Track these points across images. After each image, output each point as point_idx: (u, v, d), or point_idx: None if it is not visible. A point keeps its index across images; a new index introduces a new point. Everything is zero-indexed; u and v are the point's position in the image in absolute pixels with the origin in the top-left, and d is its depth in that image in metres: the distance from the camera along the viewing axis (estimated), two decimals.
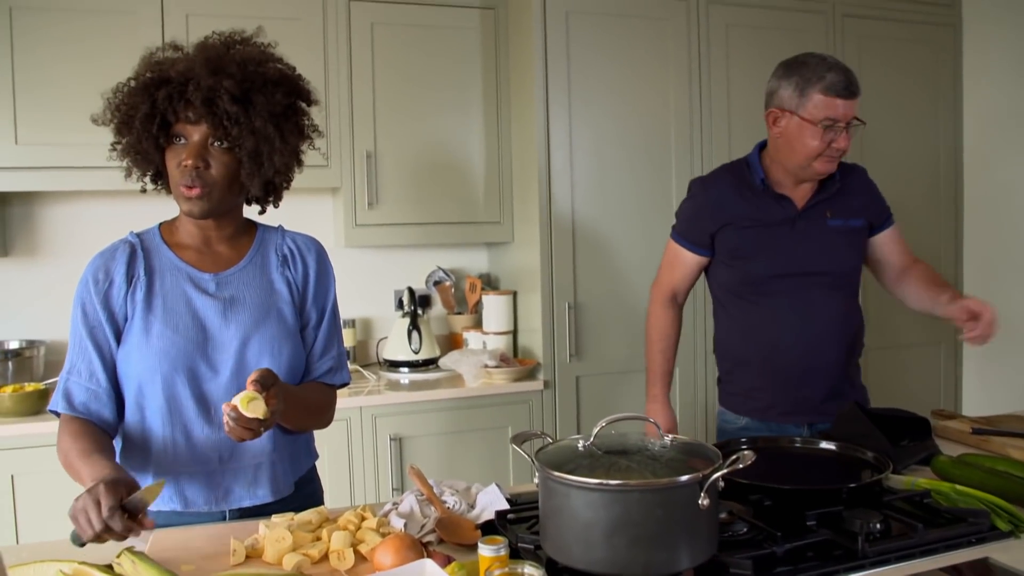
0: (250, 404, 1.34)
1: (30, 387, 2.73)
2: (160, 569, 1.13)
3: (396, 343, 3.23)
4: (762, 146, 2.16)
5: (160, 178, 1.65)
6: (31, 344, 3.02)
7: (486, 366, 3.06)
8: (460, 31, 3.24)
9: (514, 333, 3.35)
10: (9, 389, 2.70)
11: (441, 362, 3.20)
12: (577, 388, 3.14)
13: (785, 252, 2.05)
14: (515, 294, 3.35)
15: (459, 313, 3.55)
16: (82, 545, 1.29)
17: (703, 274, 2.25)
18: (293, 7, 3.03)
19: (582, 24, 3.10)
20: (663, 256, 2.28)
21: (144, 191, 1.68)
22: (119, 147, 1.61)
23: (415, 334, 3.20)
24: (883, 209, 2.16)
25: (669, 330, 2.26)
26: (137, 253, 1.63)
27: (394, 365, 3.22)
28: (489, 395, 3.03)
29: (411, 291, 3.26)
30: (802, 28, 3.42)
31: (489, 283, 3.61)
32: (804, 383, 2.07)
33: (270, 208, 1.74)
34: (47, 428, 2.58)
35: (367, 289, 3.48)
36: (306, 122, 1.66)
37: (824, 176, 2.04)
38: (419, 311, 3.26)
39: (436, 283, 3.54)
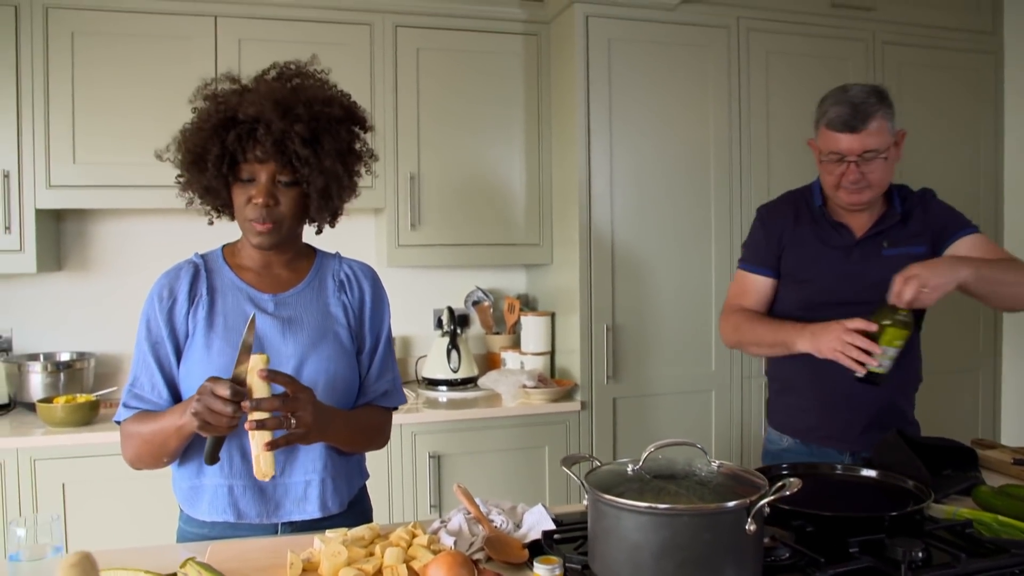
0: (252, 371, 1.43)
1: (82, 398, 2.81)
2: None
3: (435, 362, 3.28)
4: None
5: (223, 208, 1.72)
6: (82, 356, 3.11)
7: (524, 386, 3.11)
8: (503, 56, 3.31)
9: (551, 354, 3.39)
10: (62, 400, 2.78)
11: (480, 381, 3.25)
12: (614, 410, 3.17)
13: (840, 279, 2.07)
14: (553, 315, 3.39)
15: (497, 333, 3.60)
16: (215, 461, 1.50)
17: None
18: (342, 33, 3.11)
19: (624, 51, 3.15)
20: (729, 290, 2.28)
21: (211, 223, 1.74)
22: (184, 181, 1.67)
23: (454, 353, 3.26)
24: (950, 224, 2.09)
25: (747, 312, 2.17)
26: (200, 273, 1.70)
27: (433, 383, 3.27)
28: (527, 415, 3.06)
29: (451, 311, 3.31)
30: (842, 56, 3.45)
31: (527, 304, 3.66)
32: (848, 409, 2.07)
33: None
34: (98, 439, 2.67)
35: (407, 308, 3.54)
36: (363, 148, 1.72)
37: (852, 207, 2.05)
38: (458, 330, 3.31)
39: (475, 303, 3.59)
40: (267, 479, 1.47)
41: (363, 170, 1.75)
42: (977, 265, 1.85)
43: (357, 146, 1.72)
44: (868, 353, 1.81)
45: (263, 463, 1.45)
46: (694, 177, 3.26)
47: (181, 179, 1.69)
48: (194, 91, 1.68)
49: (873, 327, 1.81)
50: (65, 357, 3.13)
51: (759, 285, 2.19)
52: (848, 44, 3.47)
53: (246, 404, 1.43)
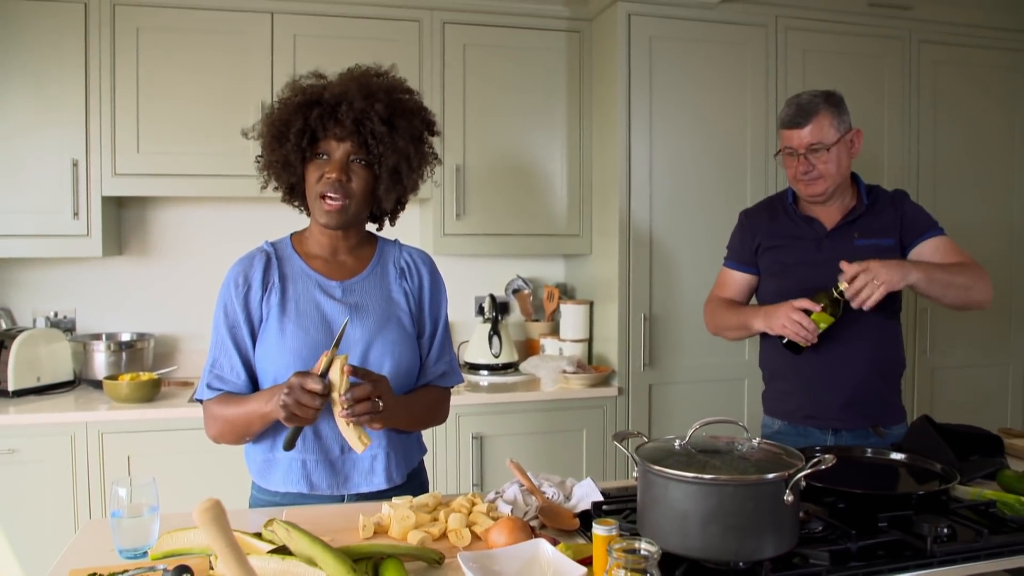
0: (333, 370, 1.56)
1: (145, 376, 2.97)
2: (311, 536, 1.30)
3: (477, 347, 3.40)
4: None
5: (293, 192, 1.84)
6: (142, 336, 3.27)
7: (564, 371, 3.22)
8: (547, 52, 3.42)
9: (589, 341, 3.51)
10: (126, 377, 2.94)
11: (521, 367, 3.37)
12: (650, 396, 3.28)
13: (814, 268, 2.21)
14: (591, 304, 3.50)
15: (536, 320, 3.71)
16: (293, 447, 1.64)
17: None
18: (392, 30, 3.24)
19: (664, 48, 3.25)
20: (714, 284, 2.51)
21: (285, 201, 1.87)
22: (263, 159, 1.80)
23: (496, 339, 3.38)
24: (918, 223, 2.23)
25: (722, 300, 2.43)
26: (272, 261, 1.82)
27: (475, 368, 3.40)
28: (566, 399, 3.18)
29: (492, 298, 3.43)
30: (878, 54, 3.52)
31: (565, 292, 3.77)
32: (828, 390, 2.23)
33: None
34: (160, 414, 2.82)
35: (450, 295, 3.60)
36: (430, 150, 1.84)
37: (813, 199, 2.24)
38: (499, 317, 3.43)
39: (515, 291, 3.71)
40: (366, 447, 1.59)
41: (428, 171, 1.86)
42: (929, 269, 2.07)
43: (426, 147, 1.83)
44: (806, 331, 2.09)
45: (362, 437, 1.58)
46: (731, 172, 3.35)
47: (261, 158, 1.81)
48: (283, 86, 1.80)
49: (817, 307, 2.06)
50: (126, 337, 3.28)
51: (737, 279, 2.43)
52: (885, 42, 3.53)
53: (335, 396, 1.56)
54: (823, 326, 2.08)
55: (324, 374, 1.57)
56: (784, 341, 2.13)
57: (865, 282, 1.97)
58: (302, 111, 1.71)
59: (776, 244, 2.33)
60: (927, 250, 2.21)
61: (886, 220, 2.24)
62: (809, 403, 2.26)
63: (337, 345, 1.60)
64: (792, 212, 2.32)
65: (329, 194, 1.72)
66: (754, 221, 2.41)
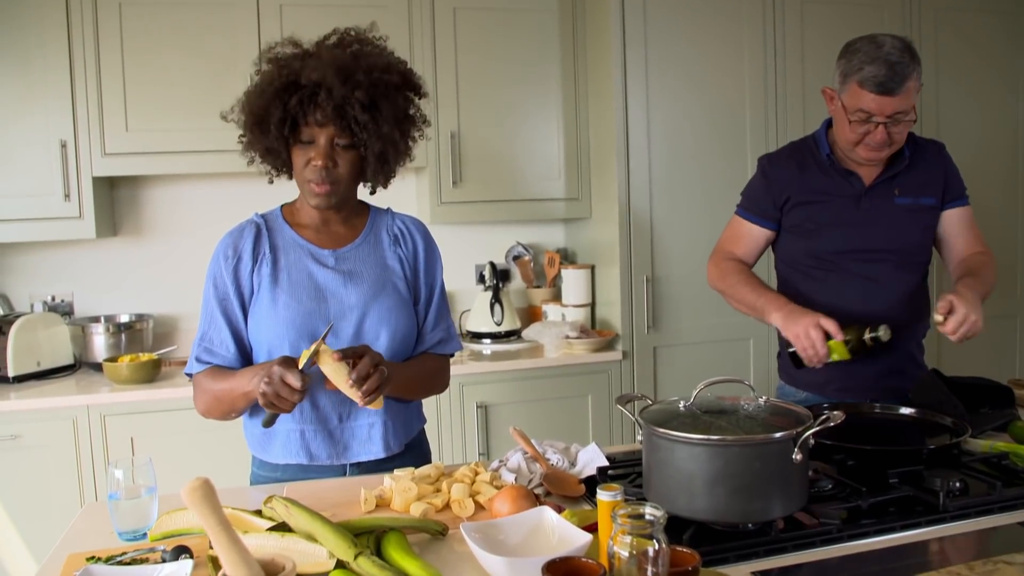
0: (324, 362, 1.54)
1: (145, 357, 2.94)
2: (311, 512, 1.28)
3: (479, 315, 3.37)
4: (829, 123, 2.13)
5: (282, 168, 1.80)
6: (140, 317, 3.24)
7: (567, 337, 3.19)
8: (539, 14, 3.35)
9: (592, 306, 3.47)
10: (126, 359, 2.92)
11: (524, 333, 3.34)
12: (654, 358, 3.25)
13: (851, 228, 2.05)
14: (593, 268, 3.47)
15: (537, 287, 3.68)
16: (271, 425, 1.63)
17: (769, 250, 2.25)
18: None
19: (659, 5, 3.18)
20: (723, 232, 2.26)
21: (271, 182, 1.83)
22: (246, 141, 1.76)
23: (497, 307, 3.34)
24: (956, 187, 2.11)
25: (738, 265, 2.16)
26: (262, 232, 1.79)
27: (477, 336, 3.37)
28: (569, 364, 3.16)
29: (493, 266, 3.40)
30: (877, 3, 3.44)
31: (566, 257, 3.73)
32: (864, 361, 1.98)
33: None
34: (162, 395, 2.80)
35: (449, 263, 3.52)
36: (417, 114, 1.79)
37: (870, 163, 2.02)
38: (500, 285, 3.40)
39: (515, 258, 3.67)
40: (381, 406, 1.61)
41: (416, 135, 1.82)
42: (983, 288, 1.93)
43: (412, 112, 1.78)
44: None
45: (376, 402, 1.58)
46: (730, 129, 3.29)
47: (243, 139, 1.77)
48: (258, 55, 1.75)
49: (840, 336, 1.84)
50: (124, 319, 3.25)
51: (754, 234, 2.18)
52: None
53: (343, 388, 1.55)
54: (835, 357, 1.86)
55: (306, 368, 1.54)
56: (791, 349, 1.92)
57: (968, 334, 1.81)
58: (280, 97, 1.66)
59: (808, 199, 2.08)
60: (954, 218, 2.09)
61: (928, 176, 2.07)
62: (843, 375, 2.05)
63: (319, 346, 1.57)
64: (827, 164, 2.07)
65: (316, 180, 1.69)
66: (781, 171, 2.13)
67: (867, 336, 1.85)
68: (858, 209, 2.06)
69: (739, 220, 2.21)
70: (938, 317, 1.83)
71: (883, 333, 1.83)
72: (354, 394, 1.55)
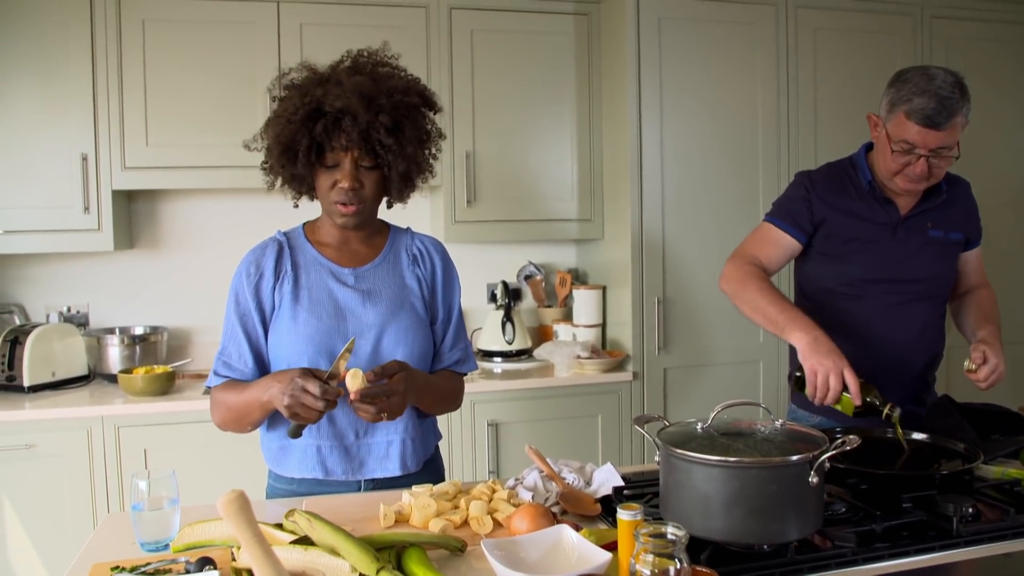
0: (354, 379, 1.56)
1: (159, 369, 2.97)
2: (333, 526, 1.30)
3: (490, 334, 3.39)
4: (868, 147, 2.12)
5: (307, 191, 1.83)
6: (155, 330, 3.27)
7: (578, 357, 3.21)
8: (555, 36, 3.39)
9: (603, 326, 3.49)
10: (141, 371, 2.94)
11: (536, 353, 3.36)
12: (664, 379, 3.27)
13: (883, 256, 2.06)
14: (604, 288, 3.49)
15: (548, 306, 3.70)
16: (298, 436, 1.64)
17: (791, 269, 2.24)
18: (399, 16, 3.22)
19: (674, 29, 3.22)
20: (747, 238, 2.19)
21: (296, 206, 1.86)
22: (269, 167, 1.79)
23: (509, 326, 3.37)
24: (977, 228, 2.16)
25: (760, 271, 2.07)
26: (284, 250, 1.82)
27: (488, 355, 3.39)
28: (580, 384, 3.18)
29: (505, 285, 3.42)
30: (890, 31, 3.47)
31: (577, 278, 3.76)
32: (884, 388, 1.96)
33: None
34: (176, 407, 2.83)
35: (461, 282, 3.63)
36: (434, 128, 1.83)
37: (907, 193, 2.03)
38: (512, 304, 3.42)
39: (527, 277, 3.70)
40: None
41: (436, 151, 1.85)
42: (998, 332, 2.04)
43: (430, 127, 1.82)
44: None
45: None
46: (743, 152, 3.32)
47: (266, 165, 1.80)
48: (272, 81, 1.79)
49: (858, 399, 1.77)
50: (139, 331, 3.28)
51: (783, 241, 2.11)
52: (896, 19, 3.48)
53: (350, 398, 1.58)
54: (838, 407, 1.82)
55: (330, 378, 1.58)
56: (799, 374, 1.84)
57: (993, 370, 1.90)
58: (306, 127, 1.69)
59: (845, 223, 2.06)
60: (971, 258, 2.16)
61: (958, 213, 2.10)
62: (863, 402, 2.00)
63: (345, 357, 1.61)
64: (867, 191, 2.06)
65: (343, 201, 1.72)
66: (821, 191, 2.09)
67: (883, 412, 1.78)
68: (893, 238, 2.06)
69: (768, 226, 2.15)
70: (972, 366, 1.88)
71: (895, 415, 1.78)
72: (356, 407, 1.58)
